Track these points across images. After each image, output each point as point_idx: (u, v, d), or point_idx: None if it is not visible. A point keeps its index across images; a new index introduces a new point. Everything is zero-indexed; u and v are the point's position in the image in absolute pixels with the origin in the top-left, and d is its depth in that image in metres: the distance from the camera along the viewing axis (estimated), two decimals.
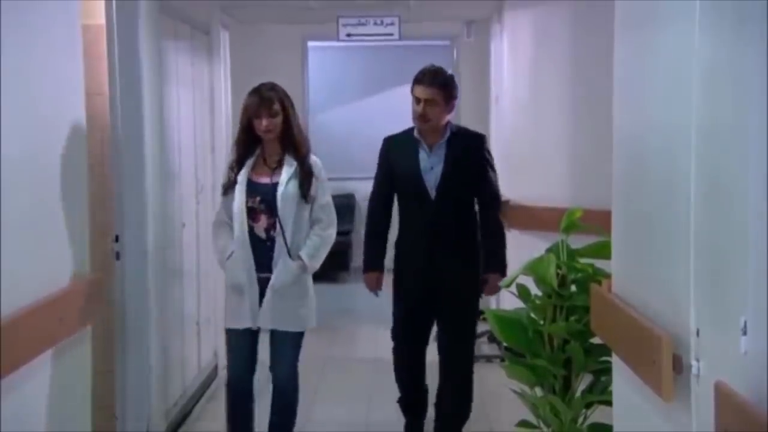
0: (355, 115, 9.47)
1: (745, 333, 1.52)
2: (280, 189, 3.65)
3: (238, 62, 6.24)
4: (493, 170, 4.09)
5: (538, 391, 3.40)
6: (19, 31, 2.43)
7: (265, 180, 3.70)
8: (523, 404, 3.48)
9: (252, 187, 3.68)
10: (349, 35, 6.54)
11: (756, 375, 1.47)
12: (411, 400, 4.23)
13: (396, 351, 4.18)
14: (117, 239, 3.92)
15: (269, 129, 3.64)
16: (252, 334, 3.73)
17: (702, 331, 1.80)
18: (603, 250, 2.95)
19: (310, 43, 7.28)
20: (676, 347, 1.93)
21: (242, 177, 3.68)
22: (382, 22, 6.47)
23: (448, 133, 3.98)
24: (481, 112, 6.70)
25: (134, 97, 3.95)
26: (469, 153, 4.01)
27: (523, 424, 3.45)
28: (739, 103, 1.58)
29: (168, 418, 4.42)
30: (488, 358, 5.78)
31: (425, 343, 4.13)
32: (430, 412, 4.23)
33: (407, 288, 4.04)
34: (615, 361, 2.59)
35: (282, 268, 3.65)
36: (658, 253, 2.12)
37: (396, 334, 4.16)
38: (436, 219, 3.94)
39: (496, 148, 6.32)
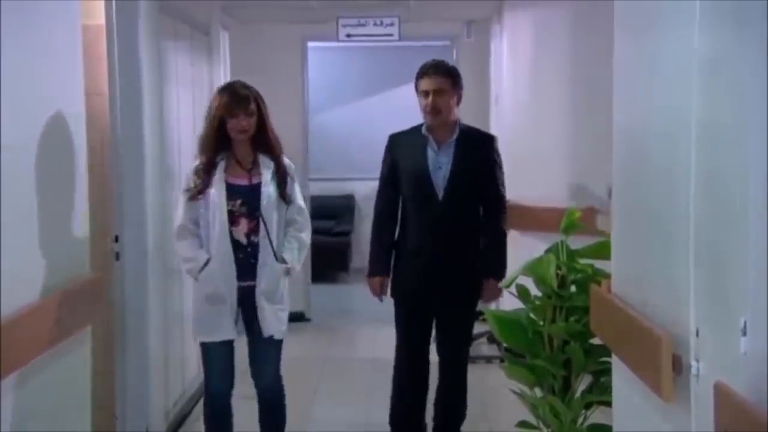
0: (354, 116, 9.48)
1: (744, 333, 1.52)
2: (264, 189, 3.49)
3: (237, 62, 6.24)
4: (502, 173, 4.00)
5: (538, 392, 3.39)
6: (19, 31, 2.43)
7: (243, 182, 3.51)
8: (522, 405, 3.48)
9: (230, 190, 3.48)
10: (348, 35, 6.53)
11: (756, 375, 1.47)
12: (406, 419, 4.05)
13: (400, 354, 4.03)
14: (117, 239, 3.92)
15: (245, 129, 3.47)
16: (230, 345, 3.58)
17: (702, 331, 1.80)
18: (602, 251, 2.95)
19: (310, 44, 7.28)
20: (676, 347, 1.93)
21: (219, 178, 3.48)
22: (381, 23, 6.46)
23: (457, 132, 3.87)
24: (481, 112, 6.68)
25: (134, 97, 3.96)
26: (479, 153, 3.90)
27: (523, 424, 3.45)
28: (739, 102, 1.58)
29: (168, 418, 4.42)
30: (488, 359, 5.79)
31: (428, 343, 4.03)
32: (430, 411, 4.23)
33: (408, 290, 3.94)
34: (615, 361, 2.59)
35: (270, 272, 3.50)
36: (658, 254, 2.12)
37: (400, 341, 4.01)
38: (442, 220, 3.83)
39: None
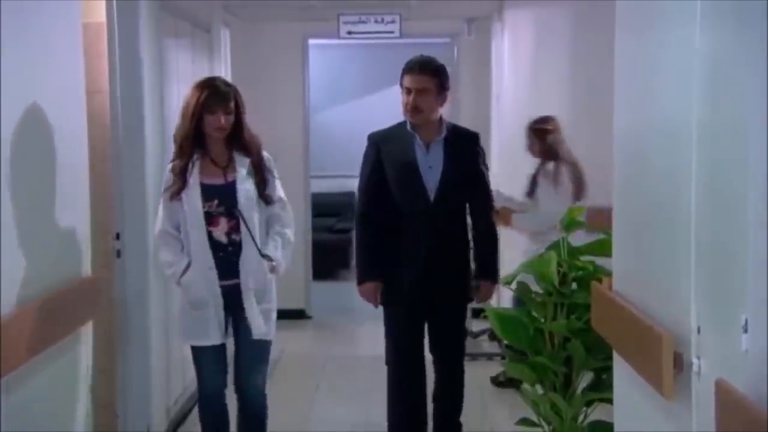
0: (355, 113, 9.47)
1: (746, 331, 1.52)
2: (240, 186, 3.35)
3: (238, 60, 6.25)
4: (487, 170, 3.93)
5: (539, 389, 3.40)
6: (20, 29, 2.43)
7: (218, 181, 3.36)
8: (523, 402, 3.48)
9: (206, 191, 3.35)
10: (349, 33, 6.53)
11: (757, 373, 1.47)
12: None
13: (395, 366, 3.88)
14: (118, 237, 3.93)
15: (223, 127, 3.33)
16: (220, 347, 3.48)
17: (703, 328, 1.80)
18: (604, 248, 2.95)
19: (311, 41, 7.28)
20: (677, 345, 1.93)
21: (194, 181, 3.35)
22: (382, 20, 6.46)
23: (445, 131, 3.76)
24: (481, 111, 6.69)
25: (135, 95, 3.96)
26: (467, 152, 3.80)
27: (524, 421, 3.45)
28: (740, 101, 1.58)
29: (169, 416, 4.42)
30: (489, 356, 5.79)
31: (423, 347, 3.89)
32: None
33: (404, 294, 3.77)
34: (616, 358, 2.59)
35: (256, 270, 3.37)
36: (659, 251, 2.12)
37: (395, 348, 3.86)
38: (434, 223, 3.71)
39: (496, 146, 6.34)
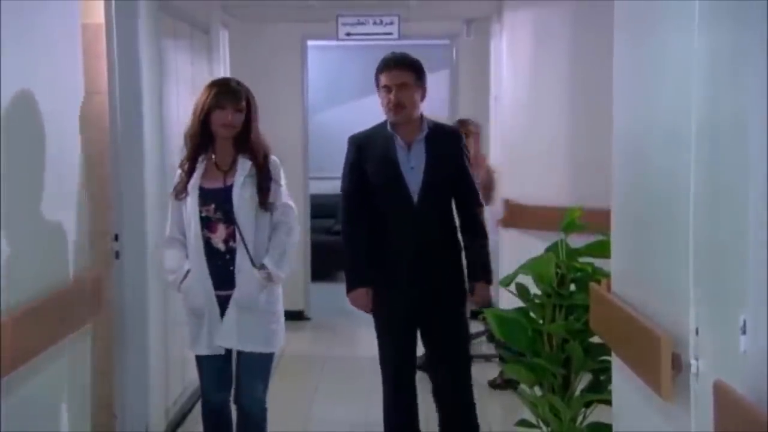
0: (354, 115, 9.45)
1: (744, 332, 1.52)
2: (235, 191, 3.27)
3: (237, 61, 6.25)
4: (471, 166, 3.80)
5: (538, 390, 3.40)
6: (19, 29, 2.43)
7: (217, 185, 3.30)
8: (522, 403, 3.48)
9: (204, 195, 3.29)
10: (348, 34, 6.54)
11: (755, 374, 1.47)
12: None
13: (385, 376, 3.76)
14: (116, 238, 3.92)
15: (232, 124, 3.27)
16: (219, 357, 3.39)
17: (701, 330, 1.80)
18: (602, 249, 2.95)
19: (309, 42, 7.29)
20: (676, 346, 1.93)
21: (193, 183, 3.30)
22: (381, 22, 6.47)
23: (426, 129, 3.62)
24: (480, 112, 6.69)
25: (134, 96, 3.96)
26: (449, 150, 3.66)
27: (523, 423, 3.45)
28: (739, 102, 1.58)
29: (167, 417, 4.42)
30: (487, 358, 5.79)
31: (415, 356, 3.78)
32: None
33: (395, 300, 3.65)
34: (614, 360, 2.59)
35: (246, 279, 3.28)
36: (658, 252, 2.12)
37: (386, 360, 3.75)
38: (419, 225, 3.59)
39: (495, 147, 6.34)
